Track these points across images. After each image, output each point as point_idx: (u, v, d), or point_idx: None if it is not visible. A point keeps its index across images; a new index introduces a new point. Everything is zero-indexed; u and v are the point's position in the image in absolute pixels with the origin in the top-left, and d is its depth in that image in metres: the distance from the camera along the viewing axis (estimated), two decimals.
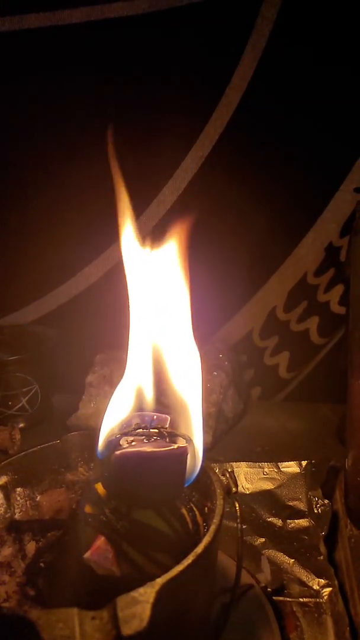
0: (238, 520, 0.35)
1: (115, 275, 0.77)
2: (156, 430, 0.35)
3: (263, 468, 0.56)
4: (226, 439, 0.69)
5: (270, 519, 0.52)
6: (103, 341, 0.77)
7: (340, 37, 0.65)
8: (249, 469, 0.56)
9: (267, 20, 0.64)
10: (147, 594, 0.27)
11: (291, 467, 0.55)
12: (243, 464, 0.56)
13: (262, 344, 0.79)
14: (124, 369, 0.39)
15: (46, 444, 0.43)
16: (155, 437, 0.35)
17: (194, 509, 0.37)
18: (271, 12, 0.64)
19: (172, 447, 0.33)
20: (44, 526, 0.41)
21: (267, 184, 0.72)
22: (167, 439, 0.35)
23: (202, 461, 0.36)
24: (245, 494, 0.54)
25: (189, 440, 0.35)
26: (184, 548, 0.32)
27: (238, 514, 0.35)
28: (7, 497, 0.42)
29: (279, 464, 0.55)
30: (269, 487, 0.54)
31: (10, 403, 0.72)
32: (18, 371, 0.72)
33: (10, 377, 0.72)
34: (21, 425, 0.72)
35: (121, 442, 0.35)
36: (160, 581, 0.27)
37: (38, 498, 0.43)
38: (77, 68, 0.69)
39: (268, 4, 0.64)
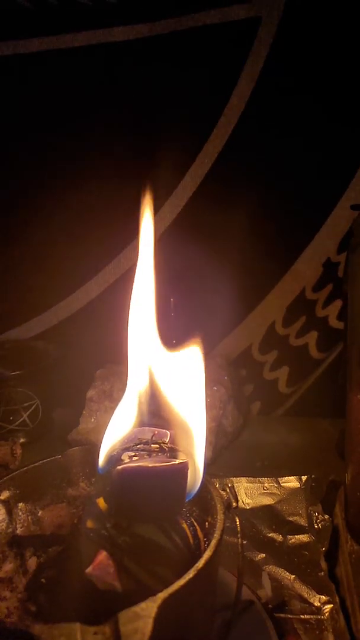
0: (239, 535, 0.35)
1: (116, 291, 0.78)
2: (157, 446, 0.35)
3: (263, 483, 0.56)
4: (226, 454, 0.69)
5: (270, 535, 0.52)
6: (103, 356, 0.78)
7: (335, 60, 0.67)
8: (249, 484, 0.56)
9: (264, 44, 0.66)
10: (148, 608, 0.27)
11: (291, 482, 0.55)
12: (243, 479, 0.56)
13: (262, 358, 0.79)
14: (125, 383, 0.40)
15: (48, 459, 0.43)
16: (156, 452, 0.35)
17: (195, 524, 0.37)
18: (268, 36, 0.66)
19: (173, 462, 0.33)
20: (45, 541, 0.41)
21: (265, 201, 0.74)
22: (168, 454, 0.35)
23: (203, 476, 0.36)
24: (246, 509, 0.54)
25: (190, 455, 0.35)
26: (185, 563, 0.32)
27: (239, 529, 0.36)
28: (9, 512, 0.42)
29: (279, 479, 0.56)
30: (269, 502, 0.55)
31: (11, 418, 0.73)
32: (19, 386, 0.72)
33: (12, 392, 0.72)
34: (22, 440, 0.72)
35: (122, 457, 0.35)
36: (161, 596, 0.28)
37: (40, 513, 0.43)
38: (79, 89, 0.70)
39: (264, 29, 0.66)
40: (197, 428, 0.38)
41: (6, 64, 0.68)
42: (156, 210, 0.75)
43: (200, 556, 0.31)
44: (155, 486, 0.33)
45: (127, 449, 0.35)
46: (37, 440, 0.74)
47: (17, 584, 0.39)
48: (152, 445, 0.35)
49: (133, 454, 0.35)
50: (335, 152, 0.71)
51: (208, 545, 0.32)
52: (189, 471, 0.35)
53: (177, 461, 0.33)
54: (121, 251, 0.77)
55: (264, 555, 0.49)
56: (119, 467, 0.33)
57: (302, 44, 0.67)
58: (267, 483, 0.56)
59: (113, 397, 0.69)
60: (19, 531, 0.42)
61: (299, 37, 0.66)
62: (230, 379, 0.72)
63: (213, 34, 0.66)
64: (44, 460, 0.43)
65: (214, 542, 0.32)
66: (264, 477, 0.56)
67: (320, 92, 0.68)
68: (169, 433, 0.36)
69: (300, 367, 0.78)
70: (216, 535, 0.32)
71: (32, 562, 0.40)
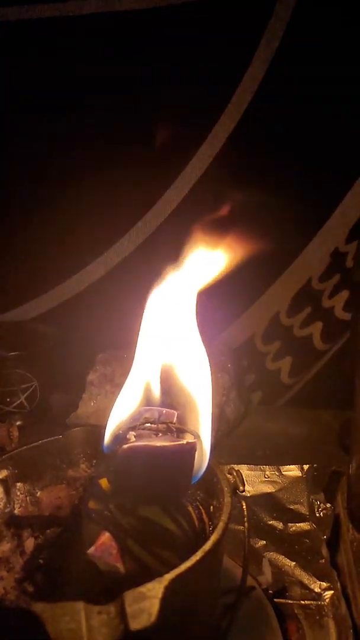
0: (245, 519, 0.35)
1: (120, 274, 0.77)
2: (164, 425, 0.35)
3: (264, 471, 0.55)
4: (226, 442, 0.69)
5: (271, 522, 0.51)
6: (104, 341, 0.76)
7: (353, 36, 0.65)
8: (250, 472, 0.55)
9: (281, 20, 0.64)
10: (155, 589, 0.26)
11: (293, 470, 0.55)
12: (244, 466, 0.55)
13: (264, 348, 0.78)
14: (130, 365, 0.39)
15: (48, 439, 0.42)
16: (163, 432, 0.34)
17: (200, 507, 0.36)
18: (286, 12, 0.63)
19: (181, 442, 0.33)
20: (44, 522, 0.40)
21: (274, 188, 0.72)
22: (176, 435, 0.34)
23: (210, 459, 0.35)
24: (246, 496, 0.54)
25: (197, 436, 0.35)
26: (190, 546, 0.32)
27: (245, 513, 0.35)
28: (7, 492, 0.41)
29: (281, 467, 0.55)
30: (270, 490, 0.54)
31: (8, 400, 0.71)
32: (17, 367, 0.71)
33: (9, 373, 0.71)
34: (19, 422, 0.71)
35: (128, 437, 0.34)
36: (168, 577, 0.27)
37: (38, 494, 0.42)
38: (84, 59, 0.68)
39: (282, 3, 0.64)
40: (205, 410, 0.37)
41: (9, 30, 0.66)
42: (161, 193, 0.74)
43: (205, 540, 0.30)
44: (162, 466, 0.33)
45: (133, 428, 0.34)
46: (35, 423, 0.73)
47: (14, 564, 0.38)
48: (159, 424, 0.34)
49: (139, 433, 0.34)
50: (346, 141, 0.69)
51: (214, 528, 0.32)
52: (197, 452, 0.34)
53: (185, 441, 0.33)
54: (125, 233, 0.76)
55: (264, 542, 0.49)
56: (125, 446, 0.32)
57: (320, 22, 0.65)
58: (269, 471, 0.55)
59: (114, 381, 0.68)
60: (16, 511, 0.41)
61: (317, 15, 0.64)
62: (233, 367, 0.71)
63: (228, 6, 0.64)
64: (44, 440, 0.42)
65: (221, 525, 0.31)
66: (265, 465, 0.55)
67: (337, 74, 0.67)
68: (176, 413, 0.35)
69: (304, 358, 0.77)
70: (223, 518, 0.32)
71: (29, 543, 0.39)
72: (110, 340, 0.75)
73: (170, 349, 0.39)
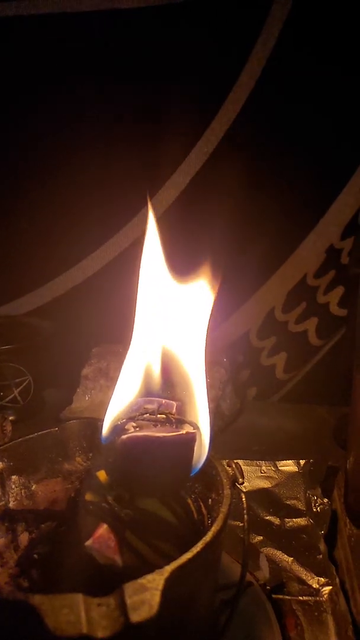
0: (244, 512, 0.34)
1: (113, 269, 0.76)
2: (163, 416, 0.34)
3: (260, 466, 0.55)
4: (222, 437, 0.68)
5: (267, 518, 0.51)
6: (98, 336, 0.76)
7: (349, 40, 0.65)
8: (246, 467, 0.55)
9: (277, 19, 0.64)
10: (155, 581, 0.26)
11: (289, 466, 0.54)
12: (240, 461, 0.55)
13: (260, 344, 0.78)
14: (122, 362, 0.38)
15: (44, 431, 0.41)
16: (162, 423, 0.34)
17: (199, 499, 0.36)
18: (282, 11, 0.64)
19: (180, 432, 0.32)
20: (39, 517, 0.39)
21: (269, 185, 0.72)
22: (175, 425, 0.34)
23: (209, 451, 0.35)
24: (242, 492, 0.53)
25: (197, 427, 0.34)
26: (188, 538, 0.31)
27: (244, 506, 0.34)
28: (2, 485, 0.40)
29: (277, 462, 0.55)
30: (266, 486, 0.53)
31: (1, 394, 0.71)
32: (10, 361, 0.70)
33: (3, 367, 0.70)
34: (12, 417, 0.70)
35: (127, 427, 0.34)
36: (169, 568, 0.26)
37: (33, 487, 0.41)
38: (83, 56, 0.68)
39: (279, 3, 0.64)
40: (203, 401, 0.37)
41: (9, 25, 0.66)
42: (158, 188, 0.74)
43: (204, 532, 0.30)
44: (161, 457, 0.32)
45: (132, 419, 0.34)
46: (28, 418, 0.72)
47: (7, 559, 0.37)
48: (158, 415, 0.34)
49: (138, 423, 0.34)
50: (342, 136, 0.69)
51: (213, 521, 0.31)
52: (196, 444, 0.33)
53: (185, 431, 0.32)
54: (120, 229, 0.76)
55: (261, 537, 0.48)
56: (124, 437, 0.32)
57: (315, 22, 0.65)
58: (265, 466, 0.54)
59: (109, 375, 0.67)
60: (11, 505, 0.41)
61: (312, 15, 0.64)
62: (229, 362, 0.71)
63: (226, 7, 0.64)
64: (40, 433, 0.41)
65: (221, 516, 0.30)
66: (261, 460, 0.55)
67: (330, 77, 0.67)
68: (175, 404, 0.35)
69: (299, 354, 0.77)
70: (223, 509, 0.31)
71: (23, 538, 0.38)
72: (105, 334, 0.74)
73: (169, 335, 0.38)
